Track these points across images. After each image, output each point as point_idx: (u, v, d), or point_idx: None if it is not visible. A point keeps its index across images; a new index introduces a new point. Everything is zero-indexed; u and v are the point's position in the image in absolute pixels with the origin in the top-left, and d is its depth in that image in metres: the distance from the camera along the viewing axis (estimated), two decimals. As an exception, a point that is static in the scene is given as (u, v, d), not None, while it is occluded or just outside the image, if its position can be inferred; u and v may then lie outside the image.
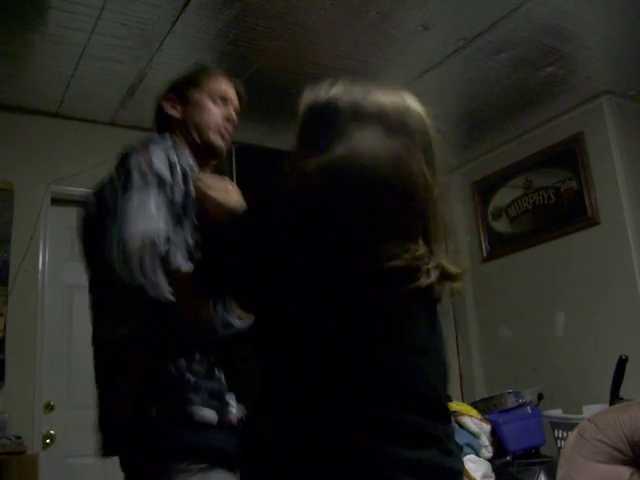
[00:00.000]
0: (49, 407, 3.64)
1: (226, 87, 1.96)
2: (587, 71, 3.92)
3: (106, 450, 1.63)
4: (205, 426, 1.45)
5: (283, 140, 4.45)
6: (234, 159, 4.11)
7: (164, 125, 1.89)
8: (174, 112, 1.88)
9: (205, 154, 1.85)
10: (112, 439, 1.62)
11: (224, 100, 1.92)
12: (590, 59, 3.79)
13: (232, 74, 3.70)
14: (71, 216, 3.93)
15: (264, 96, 3.87)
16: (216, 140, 1.86)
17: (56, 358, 3.75)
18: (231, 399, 1.51)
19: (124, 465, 1.62)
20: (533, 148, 4.63)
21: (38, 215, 3.79)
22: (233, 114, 1.91)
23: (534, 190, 4.63)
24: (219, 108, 1.89)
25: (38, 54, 3.34)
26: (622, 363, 3.25)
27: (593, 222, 4.20)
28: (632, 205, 4.06)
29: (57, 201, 3.90)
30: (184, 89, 1.92)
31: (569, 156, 4.37)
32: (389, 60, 3.64)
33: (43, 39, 3.20)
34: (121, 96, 3.82)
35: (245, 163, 4.12)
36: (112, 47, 3.31)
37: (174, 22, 3.14)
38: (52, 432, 3.61)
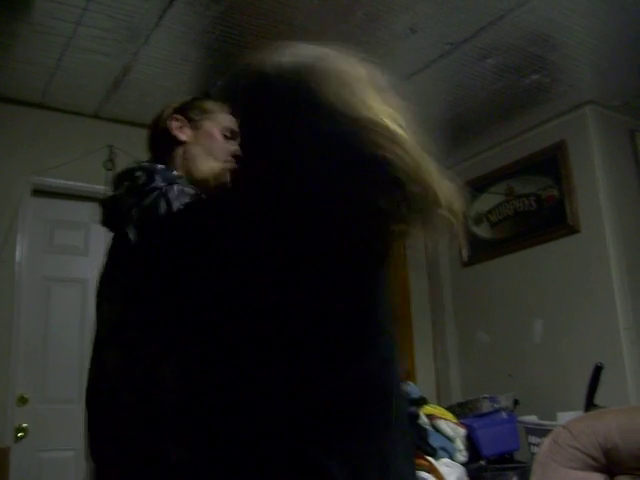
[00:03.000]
0: (22, 400, 3.60)
1: (234, 124, 1.91)
2: (571, 80, 3.95)
3: None
4: None
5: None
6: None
7: (165, 146, 1.86)
8: (183, 136, 1.84)
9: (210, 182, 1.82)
10: None
11: (233, 134, 1.89)
12: (575, 68, 3.82)
13: (218, 70, 3.71)
14: (51, 208, 3.94)
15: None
16: (222, 169, 1.83)
17: (31, 351, 3.71)
18: None
19: None
20: (516, 155, 4.65)
21: (17, 206, 3.75)
22: (234, 147, 1.87)
23: (516, 197, 4.65)
24: (227, 142, 1.87)
25: (23, 44, 3.30)
26: (598, 370, 3.27)
27: (573, 230, 4.22)
28: (612, 214, 4.09)
29: (38, 192, 3.87)
30: (195, 115, 1.89)
31: (551, 164, 4.39)
32: (375, 62, 3.63)
33: (28, 29, 3.17)
34: (106, 88, 3.79)
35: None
36: (98, 39, 3.28)
37: (161, 16, 3.12)
38: (25, 425, 3.58)
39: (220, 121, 1.89)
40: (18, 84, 3.69)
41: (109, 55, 3.44)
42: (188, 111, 1.89)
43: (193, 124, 1.86)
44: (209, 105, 1.93)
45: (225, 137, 1.87)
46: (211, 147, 1.84)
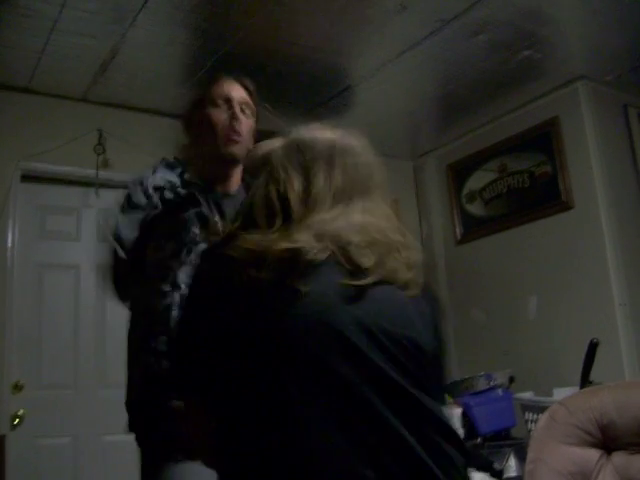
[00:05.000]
0: (18, 387, 3.59)
1: (228, 87, 2.01)
2: (564, 55, 3.92)
3: (127, 427, 1.86)
4: None
5: (258, 119, 4.41)
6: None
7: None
8: (187, 140, 2.02)
9: (224, 165, 1.96)
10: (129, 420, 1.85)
11: (227, 101, 1.97)
12: (567, 43, 3.79)
13: (207, 51, 3.66)
14: (42, 193, 3.91)
15: (239, 74, 3.82)
16: (226, 150, 1.93)
17: (25, 338, 3.70)
18: None
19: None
20: (508, 131, 4.63)
21: (7, 192, 3.72)
22: (238, 113, 1.96)
23: (509, 174, 4.64)
24: (222, 112, 1.95)
25: (7, 27, 3.25)
26: (593, 347, 3.27)
27: (567, 206, 4.21)
28: (606, 190, 4.08)
29: (27, 178, 3.83)
30: (190, 115, 2.04)
31: (544, 140, 4.38)
32: (366, 40, 3.61)
33: (13, 12, 3.11)
34: (93, 72, 3.74)
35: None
36: (84, 21, 3.23)
37: (148, -3, 3.08)
38: (20, 412, 3.57)
39: (211, 97, 2.02)
40: (4, 69, 3.64)
41: (96, 37, 3.39)
42: (186, 116, 2.11)
43: (191, 124, 2.09)
44: (201, 94, 2.08)
45: (218, 106, 2.00)
46: (207, 134, 1.98)
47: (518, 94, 4.38)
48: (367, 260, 1.06)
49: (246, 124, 1.98)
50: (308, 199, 1.16)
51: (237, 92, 2.00)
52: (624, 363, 3.82)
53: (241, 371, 1.05)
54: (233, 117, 1.95)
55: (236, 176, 2.01)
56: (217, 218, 1.87)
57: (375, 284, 1.06)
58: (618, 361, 3.81)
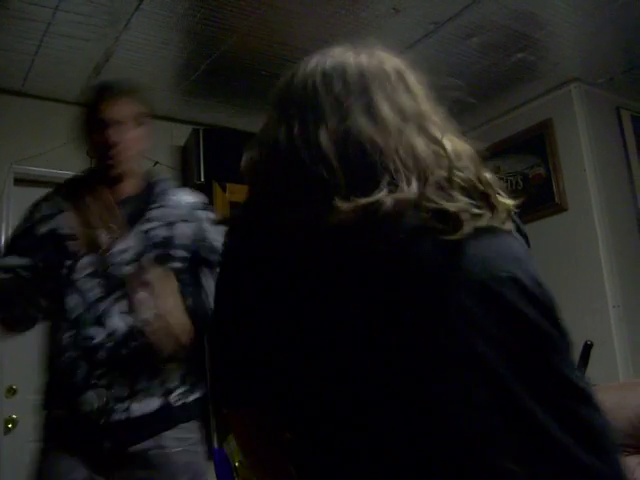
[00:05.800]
0: (11, 391, 3.58)
1: (102, 111, 2.03)
2: (557, 58, 3.93)
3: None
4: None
5: (252, 122, 4.40)
6: (202, 141, 4.06)
7: None
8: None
9: (111, 182, 2.10)
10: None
11: (99, 123, 2.03)
12: (560, 46, 3.80)
13: (200, 54, 3.66)
14: (35, 197, 3.87)
15: (233, 77, 3.83)
16: (106, 172, 2.09)
17: (19, 341, 3.68)
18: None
19: None
20: (502, 134, 4.63)
21: (0, 196, 3.71)
22: (108, 136, 2.01)
23: (502, 176, 4.64)
24: (100, 136, 2.03)
25: (1, 30, 3.24)
26: (587, 349, 3.27)
27: (561, 208, 4.22)
28: (599, 192, 4.09)
29: (20, 181, 3.82)
30: (81, 137, 2.16)
31: (538, 142, 4.38)
32: (359, 43, 3.60)
33: (6, 15, 3.11)
34: (87, 75, 3.74)
35: (213, 145, 4.07)
36: (77, 24, 3.23)
37: None
38: (14, 417, 3.55)
39: (88, 125, 2.11)
40: (-3, 72, 3.63)
41: (89, 40, 3.39)
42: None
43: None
44: (81, 123, 2.16)
45: (95, 132, 2.08)
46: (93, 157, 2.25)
47: (511, 96, 4.39)
48: (451, 205, 0.91)
49: (126, 139, 2.04)
50: (349, 139, 0.97)
51: (113, 112, 2.02)
52: (618, 365, 3.82)
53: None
54: (107, 143, 2.02)
55: (126, 185, 2.12)
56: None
57: (468, 231, 0.89)
58: (612, 363, 3.81)
